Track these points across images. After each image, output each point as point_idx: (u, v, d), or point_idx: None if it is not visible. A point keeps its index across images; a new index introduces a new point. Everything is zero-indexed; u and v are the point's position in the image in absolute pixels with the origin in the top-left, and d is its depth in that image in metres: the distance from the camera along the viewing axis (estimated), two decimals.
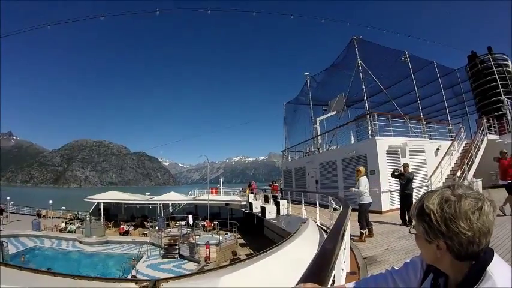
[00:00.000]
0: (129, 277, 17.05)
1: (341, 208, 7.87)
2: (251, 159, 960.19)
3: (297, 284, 1.58)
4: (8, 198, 42.07)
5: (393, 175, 12.11)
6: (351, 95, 25.28)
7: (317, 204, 12.87)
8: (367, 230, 9.54)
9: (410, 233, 1.41)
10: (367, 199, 10.12)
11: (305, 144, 28.52)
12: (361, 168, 10.68)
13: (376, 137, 16.76)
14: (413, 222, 1.33)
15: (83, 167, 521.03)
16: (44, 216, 37.53)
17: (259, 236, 24.14)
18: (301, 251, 5.92)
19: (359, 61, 21.06)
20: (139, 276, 18.01)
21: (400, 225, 11.12)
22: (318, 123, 28.01)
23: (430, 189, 1.32)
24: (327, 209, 11.40)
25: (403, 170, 11.74)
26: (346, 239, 5.44)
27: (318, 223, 11.93)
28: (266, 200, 21.65)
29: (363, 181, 10.30)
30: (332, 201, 10.56)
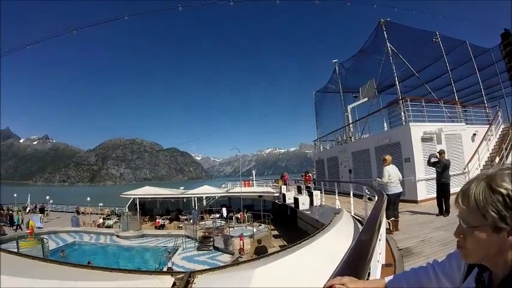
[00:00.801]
0: (165, 269, 17.40)
1: (376, 198, 7.67)
2: (282, 150, 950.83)
3: (333, 276, 1.54)
4: (48, 197, 43.96)
5: (429, 163, 11.53)
6: (382, 81, 24.31)
7: (351, 194, 12.57)
8: (391, 221, 9.16)
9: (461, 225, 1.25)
10: (393, 189, 9.76)
11: (337, 133, 27.90)
12: (387, 157, 10.37)
13: (410, 123, 16.15)
14: (460, 212, 1.19)
15: (118, 164, 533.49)
16: (82, 213, 39.12)
17: (292, 228, 24.08)
18: (335, 242, 5.82)
19: (388, 44, 20.31)
20: (174, 268, 18.32)
21: (437, 215, 10.63)
22: (349, 111, 27.34)
23: (475, 175, 1.18)
24: (361, 199, 11.16)
25: (439, 157, 11.26)
26: (382, 230, 5.29)
27: (352, 213, 11.65)
28: (299, 190, 21.43)
29: (386, 171, 9.97)
30: (366, 190, 10.32)
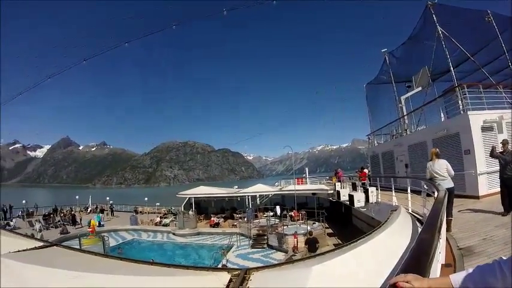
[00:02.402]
0: (219, 266, 17.53)
1: (435, 194, 7.33)
2: (334, 147, 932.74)
3: (397, 274, 1.53)
4: (108, 198, 46.50)
5: (491, 154, 10.67)
6: (435, 68, 22.78)
7: (408, 190, 12.04)
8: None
9: None
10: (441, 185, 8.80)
11: (391, 126, 26.93)
12: (432, 150, 9.77)
13: (468, 112, 15.15)
14: None
15: (171, 166, 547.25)
16: (140, 212, 40.89)
17: (347, 226, 23.62)
18: (393, 241, 5.62)
19: (438, 28, 19.25)
20: (229, 265, 18.58)
21: (503, 215, 9.52)
22: (403, 102, 26.30)
23: None
24: (420, 195, 10.68)
25: (502, 148, 10.36)
26: (443, 228, 5.05)
27: (410, 211, 11.12)
28: (354, 187, 21.02)
29: (429, 166, 9.38)
30: (425, 186, 9.89)
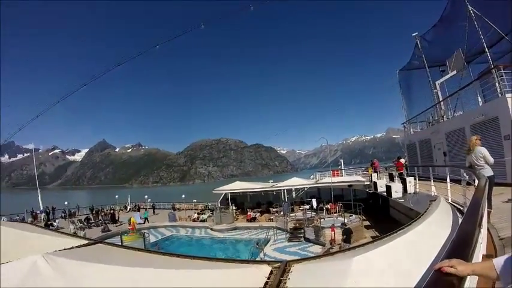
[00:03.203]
0: (257, 259, 17.69)
1: (476, 182, 7.14)
2: (368, 137, 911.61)
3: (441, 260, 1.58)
4: (146, 196, 47.82)
5: None
6: (469, 49, 21.57)
7: (447, 179, 11.67)
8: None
9: None
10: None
11: (427, 113, 26.12)
12: (471, 138, 9.39)
13: (507, 95, 14.39)
14: None
15: (205, 164, 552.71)
16: (178, 209, 41.91)
17: (384, 217, 23.30)
18: (433, 231, 5.51)
19: (469, 7, 18.59)
20: (266, 259, 18.52)
21: None
22: (437, 87, 25.40)
23: None
24: (459, 184, 10.39)
25: None
26: (484, 218, 4.94)
27: (450, 200, 10.79)
28: (391, 178, 20.54)
29: (468, 155, 9.09)
30: (464, 174, 9.62)
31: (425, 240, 4.79)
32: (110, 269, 4.19)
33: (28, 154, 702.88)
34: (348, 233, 18.84)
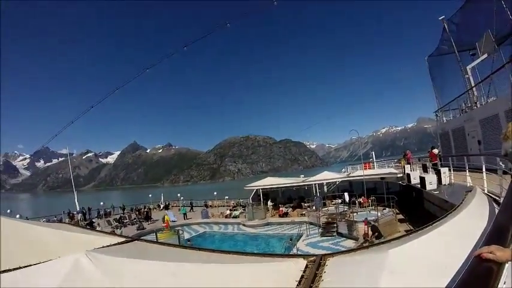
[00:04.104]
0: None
1: None
2: (399, 128, 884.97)
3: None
4: (179, 194, 48.80)
5: None
6: (499, 31, 20.75)
7: (483, 169, 11.37)
8: None
9: None
10: None
11: (459, 100, 25.15)
12: (508, 124, 9.07)
13: None
14: None
15: (235, 161, 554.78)
16: (210, 206, 42.16)
17: (418, 210, 22.81)
18: (469, 224, 5.41)
19: None
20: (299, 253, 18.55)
21: None
22: (469, 72, 24.54)
23: None
24: (496, 173, 10.07)
25: None
26: None
27: (486, 191, 10.49)
28: (425, 169, 20.07)
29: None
30: (501, 163, 9.36)
31: (461, 232, 4.74)
32: (149, 264, 4.33)
33: (63, 158, 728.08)
34: (375, 230, 18.57)
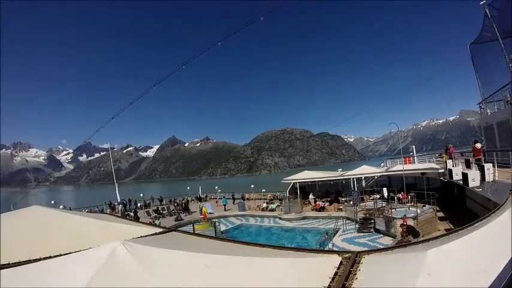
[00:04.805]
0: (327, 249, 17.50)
1: None
2: (440, 121, 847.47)
3: None
4: (216, 187, 49.60)
5: None
6: None
7: None
8: None
9: None
10: None
11: (504, 91, 23.34)
12: None
13: None
14: None
15: (271, 154, 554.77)
16: (247, 198, 42.67)
17: (460, 208, 22.08)
18: None
19: None
20: (335, 249, 18.14)
21: None
22: None
23: None
24: None
25: None
26: None
27: None
28: (467, 165, 19.26)
29: None
30: None
31: (504, 234, 4.54)
32: (183, 254, 4.42)
33: (104, 153, 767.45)
34: (411, 231, 17.90)
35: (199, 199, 47.22)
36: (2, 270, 4.70)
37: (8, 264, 5.32)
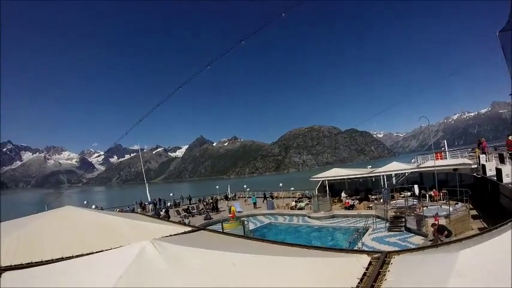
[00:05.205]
0: (356, 249, 17.26)
1: None
2: (472, 113, 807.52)
3: None
4: (245, 186, 50.00)
5: None
6: None
7: None
8: None
9: None
10: None
11: None
12: None
13: None
14: None
15: (299, 152, 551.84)
16: (276, 197, 42.53)
17: (493, 206, 21.32)
18: None
19: None
20: (365, 249, 17.93)
21: None
22: None
23: None
24: None
25: None
26: None
27: None
28: (501, 159, 18.57)
29: None
30: None
31: None
32: (210, 253, 4.47)
33: (134, 154, 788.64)
34: (443, 230, 17.31)
35: (226, 198, 47.60)
36: (34, 268, 4.86)
37: (41, 261, 5.53)
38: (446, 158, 32.51)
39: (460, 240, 5.40)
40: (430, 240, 17.07)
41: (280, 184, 46.10)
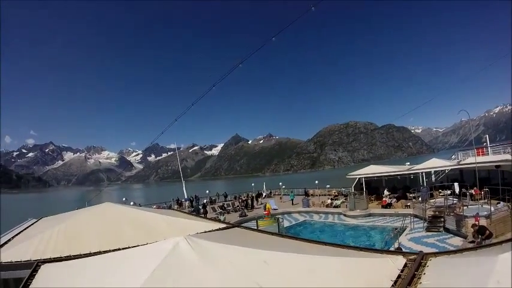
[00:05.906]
0: (391, 249, 16.87)
1: None
2: None
3: None
4: (280, 183, 50.36)
5: None
6: None
7: None
8: None
9: None
10: None
11: None
12: None
13: None
14: None
15: (335, 149, 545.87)
16: (311, 194, 42.42)
17: None
18: None
19: None
20: (401, 249, 17.66)
21: None
22: None
23: None
24: None
25: None
26: None
27: None
28: None
29: None
30: None
31: None
32: (243, 250, 4.53)
33: (171, 152, 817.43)
34: (483, 231, 16.47)
35: (259, 195, 47.11)
36: (73, 260, 5.11)
37: (79, 255, 5.78)
38: (488, 154, 31.30)
39: (501, 242, 5.22)
40: (470, 242, 16.48)
41: (316, 181, 45.70)
